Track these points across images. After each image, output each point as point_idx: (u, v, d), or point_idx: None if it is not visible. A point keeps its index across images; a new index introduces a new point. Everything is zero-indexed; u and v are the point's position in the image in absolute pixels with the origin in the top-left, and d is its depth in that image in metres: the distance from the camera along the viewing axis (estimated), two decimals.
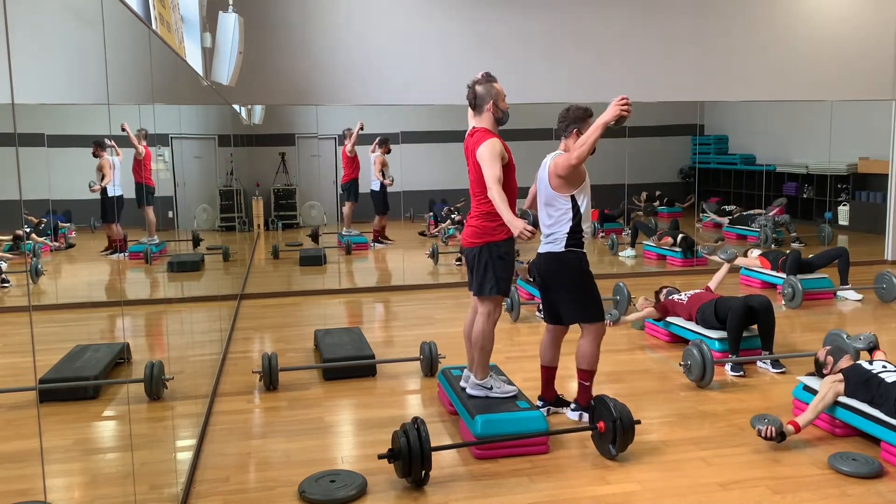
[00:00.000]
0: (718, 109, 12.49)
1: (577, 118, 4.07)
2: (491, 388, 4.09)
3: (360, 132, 10.07)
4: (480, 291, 4.03)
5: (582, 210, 4.05)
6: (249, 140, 10.90)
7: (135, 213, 5.99)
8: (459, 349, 5.26)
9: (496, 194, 3.79)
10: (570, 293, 4.14)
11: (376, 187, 10.36)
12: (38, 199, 5.71)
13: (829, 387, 3.98)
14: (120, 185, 5.93)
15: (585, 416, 4.15)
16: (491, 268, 3.97)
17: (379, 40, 7.87)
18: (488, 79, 4.00)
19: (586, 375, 4.22)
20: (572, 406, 4.32)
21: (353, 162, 10.30)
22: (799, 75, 8.76)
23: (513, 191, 4.00)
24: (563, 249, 4.04)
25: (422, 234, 11.04)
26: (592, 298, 4.14)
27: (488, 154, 3.84)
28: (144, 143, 5.54)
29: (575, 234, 4.04)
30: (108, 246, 6.41)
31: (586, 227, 4.10)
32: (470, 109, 4.08)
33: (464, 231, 4.14)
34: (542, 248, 4.16)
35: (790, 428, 3.86)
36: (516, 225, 3.72)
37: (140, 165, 5.64)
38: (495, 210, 3.85)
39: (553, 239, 4.08)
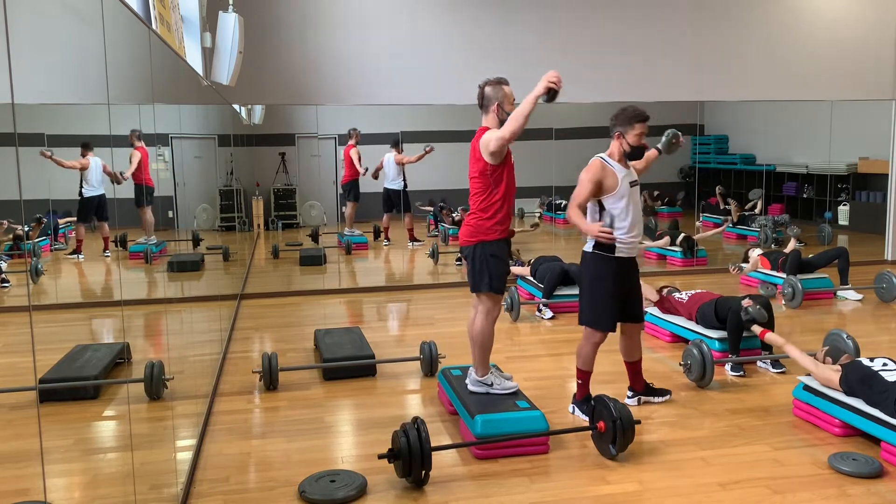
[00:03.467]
0: (718, 109, 12.50)
1: (623, 121, 4.17)
2: (491, 385, 4.13)
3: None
4: (475, 289, 4.11)
5: (614, 213, 4.10)
6: (249, 140, 10.90)
7: (133, 213, 6.00)
8: (459, 349, 5.27)
9: (508, 127, 3.81)
10: (582, 293, 4.36)
11: (400, 186, 10.48)
12: (39, 199, 5.72)
13: (827, 369, 4.15)
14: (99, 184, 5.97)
15: (579, 412, 4.35)
16: (485, 266, 4.03)
17: (379, 40, 7.87)
18: (499, 81, 4.06)
19: (578, 373, 4.37)
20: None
21: (354, 164, 10.33)
22: (799, 75, 8.76)
23: (511, 190, 4.05)
24: (590, 250, 4.17)
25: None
26: (591, 304, 4.24)
27: (490, 133, 3.93)
28: (140, 144, 5.55)
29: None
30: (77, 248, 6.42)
31: (623, 233, 4.10)
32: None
33: (461, 229, 4.19)
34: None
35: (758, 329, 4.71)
36: (534, 97, 3.81)
37: (138, 167, 5.65)
38: (489, 208, 3.98)
39: (588, 240, 4.19)
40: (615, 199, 4.10)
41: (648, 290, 6.04)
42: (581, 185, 4.08)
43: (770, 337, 4.79)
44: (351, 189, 10.41)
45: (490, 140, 3.90)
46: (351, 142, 10.28)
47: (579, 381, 4.35)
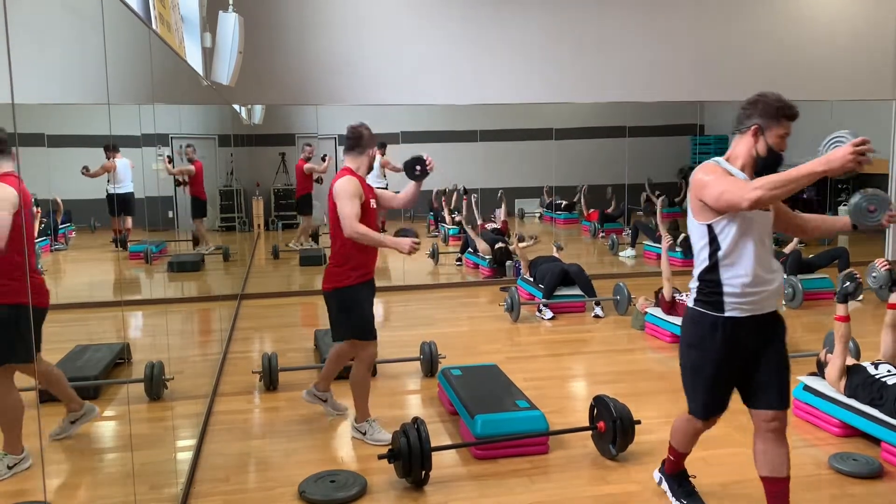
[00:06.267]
0: (718, 109, 12.47)
1: (765, 112, 2.89)
2: (365, 434, 4.05)
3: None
4: (334, 338, 4.01)
5: (724, 246, 2.75)
6: (249, 140, 10.90)
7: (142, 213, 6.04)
8: (459, 349, 5.27)
9: (355, 232, 3.75)
10: (682, 368, 3.04)
11: (384, 184, 10.54)
12: (40, 199, 5.72)
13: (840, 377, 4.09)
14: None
15: (665, 485, 3.39)
16: (343, 314, 3.92)
17: (379, 40, 7.87)
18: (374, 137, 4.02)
19: (670, 448, 3.31)
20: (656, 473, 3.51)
21: (309, 177, 10.35)
22: (799, 75, 8.75)
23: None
24: (692, 305, 2.90)
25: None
26: (683, 378, 3.03)
27: (343, 192, 3.81)
28: (196, 159, 5.70)
29: (708, 283, 2.80)
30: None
31: (736, 278, 2.76)
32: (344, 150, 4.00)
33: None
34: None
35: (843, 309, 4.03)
36: (400, 243, 3.78)
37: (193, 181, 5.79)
38: (345, 252, 3.86)
39: (691, 287, 2.93)
40: (727, 221, 2.74)
41: (667, 290, 5.97)
42: (712, 185, 2.71)
43: (841, 325, 4.01)
44: (307, 202, 10.41)
45: (342, 209, 3.78)
46: (302, 156, 10.28)
47: (671, 458, 3.33)
